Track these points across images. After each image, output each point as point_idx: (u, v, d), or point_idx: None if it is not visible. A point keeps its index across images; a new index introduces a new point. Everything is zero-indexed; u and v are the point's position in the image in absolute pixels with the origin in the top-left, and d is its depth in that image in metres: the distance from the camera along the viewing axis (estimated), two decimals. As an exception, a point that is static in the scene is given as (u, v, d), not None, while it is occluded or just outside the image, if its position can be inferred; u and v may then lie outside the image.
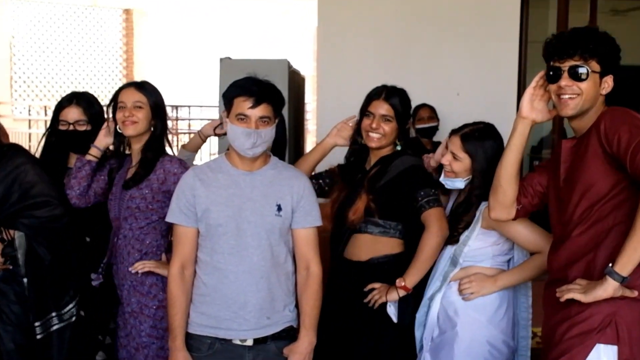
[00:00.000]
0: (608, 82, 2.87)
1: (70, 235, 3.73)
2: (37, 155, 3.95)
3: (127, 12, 16.16)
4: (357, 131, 3.66)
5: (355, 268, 3.57)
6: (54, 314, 3.70)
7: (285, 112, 3.73)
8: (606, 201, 2.80)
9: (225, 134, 3.38)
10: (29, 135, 13.65)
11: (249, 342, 3.17)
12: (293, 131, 6.12)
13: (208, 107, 14.06)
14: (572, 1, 7.07)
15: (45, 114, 13.68)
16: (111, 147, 3.82)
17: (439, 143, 5.18)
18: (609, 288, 2.70)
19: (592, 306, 2.78)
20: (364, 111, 3.61)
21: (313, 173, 3.86)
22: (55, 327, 3.70)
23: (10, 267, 3.62)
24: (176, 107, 13.99)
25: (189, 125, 15.02)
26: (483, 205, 3.35)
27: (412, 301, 3.45)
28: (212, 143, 10.88)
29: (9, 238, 3.60)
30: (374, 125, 3.54)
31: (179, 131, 14.09)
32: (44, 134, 4.06)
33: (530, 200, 3.17)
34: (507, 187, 3.14)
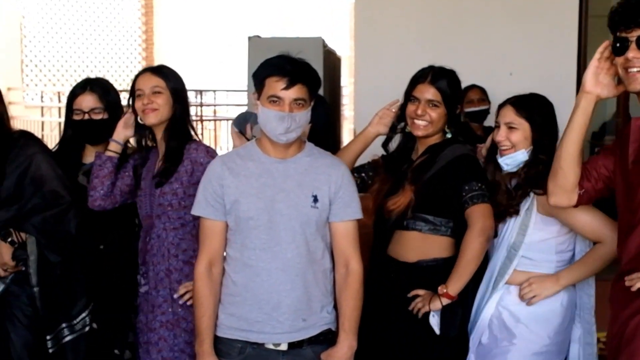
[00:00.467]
0: None
1: (82, 240, 3.76)
2: (52, 150, 3.97)
3: (146, -12, 16.29)
4: (401, 117, 3.64)
5: (401, 269, 3.54)
6: (64, 325, 3.74)
7: (319, 96, 3.71)
8: None
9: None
10: (42, 123, 13.77)
11: (283, 347, 3.17)
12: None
13: (235, 92, 14.10)
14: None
15: (59, 101, 13.79)
16: (132, 141, 3.84)
17: (490, 128, 5.14)
18: None
19: None
20: (409, 95, 3.57)
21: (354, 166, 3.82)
22: (67, 339, 3.76)
23: (23, 269, 3.68)
24: (200, 92, 14.00)
25: (215, 112, 15.07)
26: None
27: (460, 311, 3.41)
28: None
29: (20, 240, 3.65)
30: (419, 112, 3.50)
31: (204, 118, 14.14)
32: (63, 130, 4.07)
33: (594, 184, 3.11)
34: (568, 170, 3.08)
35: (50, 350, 3.70)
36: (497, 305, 3.42)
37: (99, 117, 3.92)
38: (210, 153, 3.61)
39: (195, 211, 3.25)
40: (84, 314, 3.79)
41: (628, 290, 2.81)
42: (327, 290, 3.24)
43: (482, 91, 6.27)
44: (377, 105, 3.82)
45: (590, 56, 3.00)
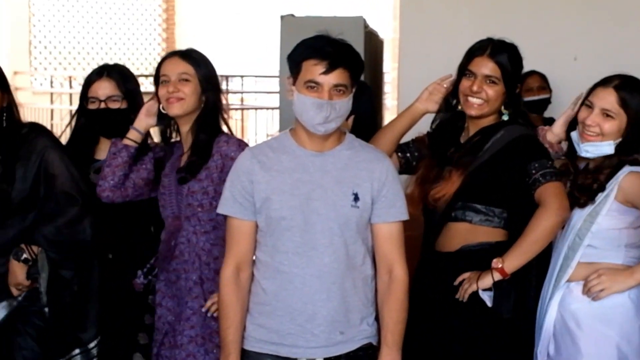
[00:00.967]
0: None
1: (96, 252, 3.77)
2: (64, 141, 3.97)
3: (167, -37, 16.37)
4: (454, 94, 3.60)
5: (443, 261, 3.53)
6: (77, 351, 3.74)
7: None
8: None
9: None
10: (51, 111, 13.82)
11: (319, 363, 3.17)
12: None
13: (265, 78, 14.14)
14: None
15: (70, 86, 13.91)
16: (151, 132, 3.84)
17: (550, 119, 5.09)
18: None
19: None
20: (464, 70, 3.55)
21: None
22: None
23: (38, 286, 3.65)
24: (226, 77, 14.04)
25: (242, 100, 15.09)
26: (622, 173, 3.32)
27: (513, 294, 3.36)
28: (275, 118, 10.88)
29: (34, 257, 3.62)
30: (474, 88, 3.48)
31: (230, 106, 14.15)
32: (72, 116, 4.07)
33: None
34: None
35: None
36: (558, 308, 3.41)
37: (116, 106, 3.92)
38: (242, 147, 3.57)
39: (221, 209, 3.24)
40: (95, 341, 3.80)
41: None
42: (367, 300, 3.23)
43: (543, 78, 6.23)
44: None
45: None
